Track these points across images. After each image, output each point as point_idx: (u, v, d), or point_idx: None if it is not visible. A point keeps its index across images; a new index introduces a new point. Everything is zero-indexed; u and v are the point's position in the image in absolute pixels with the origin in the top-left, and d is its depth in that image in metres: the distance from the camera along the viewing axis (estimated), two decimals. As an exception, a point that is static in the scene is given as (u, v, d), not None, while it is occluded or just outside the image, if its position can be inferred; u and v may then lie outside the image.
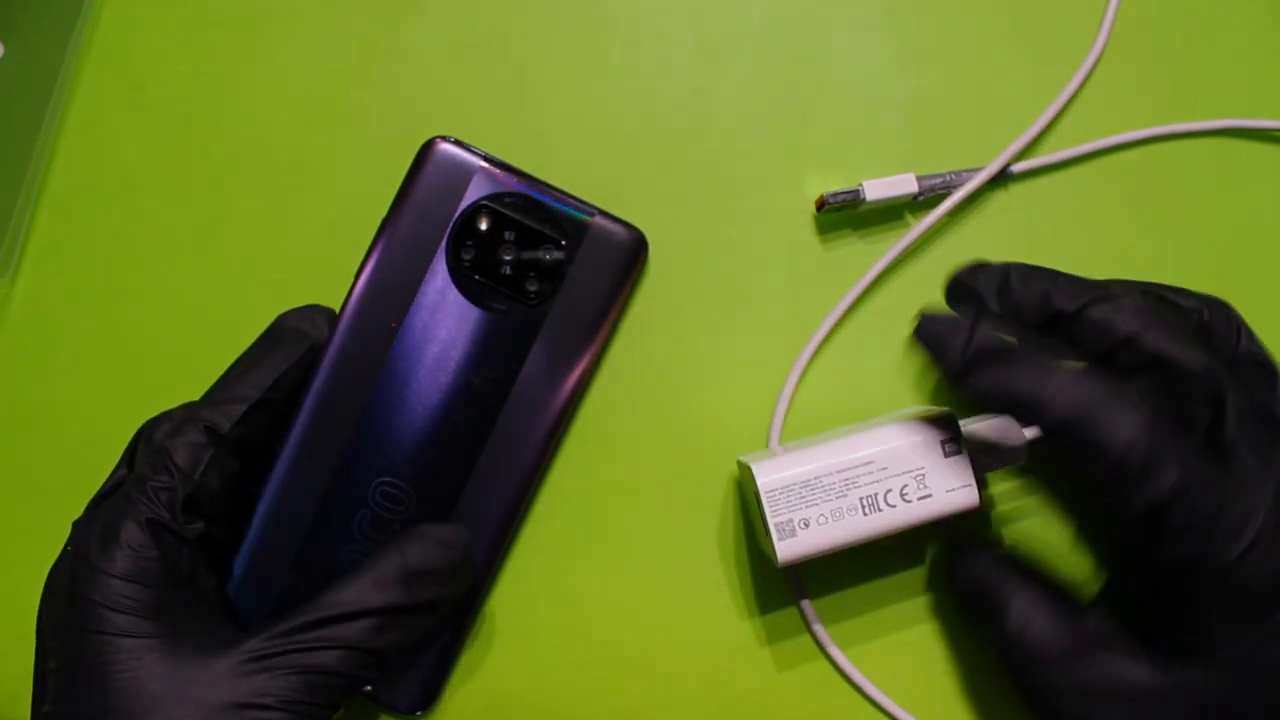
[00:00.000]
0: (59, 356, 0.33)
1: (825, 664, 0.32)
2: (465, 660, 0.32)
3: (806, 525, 0.28)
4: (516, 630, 0.32)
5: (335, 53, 0.34)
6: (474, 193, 0.31)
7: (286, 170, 0.34)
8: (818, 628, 0.32)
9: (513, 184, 0.31)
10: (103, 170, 0.34)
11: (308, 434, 0.30)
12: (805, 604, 0.32)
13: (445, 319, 0.30)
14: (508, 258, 0.30)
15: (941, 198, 0.33)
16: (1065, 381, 0.24)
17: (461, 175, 0.31)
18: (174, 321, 0.33)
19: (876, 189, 0.32)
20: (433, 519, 0.30)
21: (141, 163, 0.34)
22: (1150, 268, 0.34)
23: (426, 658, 0.30)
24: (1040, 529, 0.32)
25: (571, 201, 0.31)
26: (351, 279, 0.31)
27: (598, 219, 0.31)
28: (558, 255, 0.31)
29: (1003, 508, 0.33)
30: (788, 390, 0.33)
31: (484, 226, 0.30)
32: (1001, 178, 0.34)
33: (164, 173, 0.34)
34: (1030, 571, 0.28)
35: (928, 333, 0.26)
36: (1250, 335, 0.27)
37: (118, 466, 0.27)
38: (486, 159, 0.31)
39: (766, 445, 0.33)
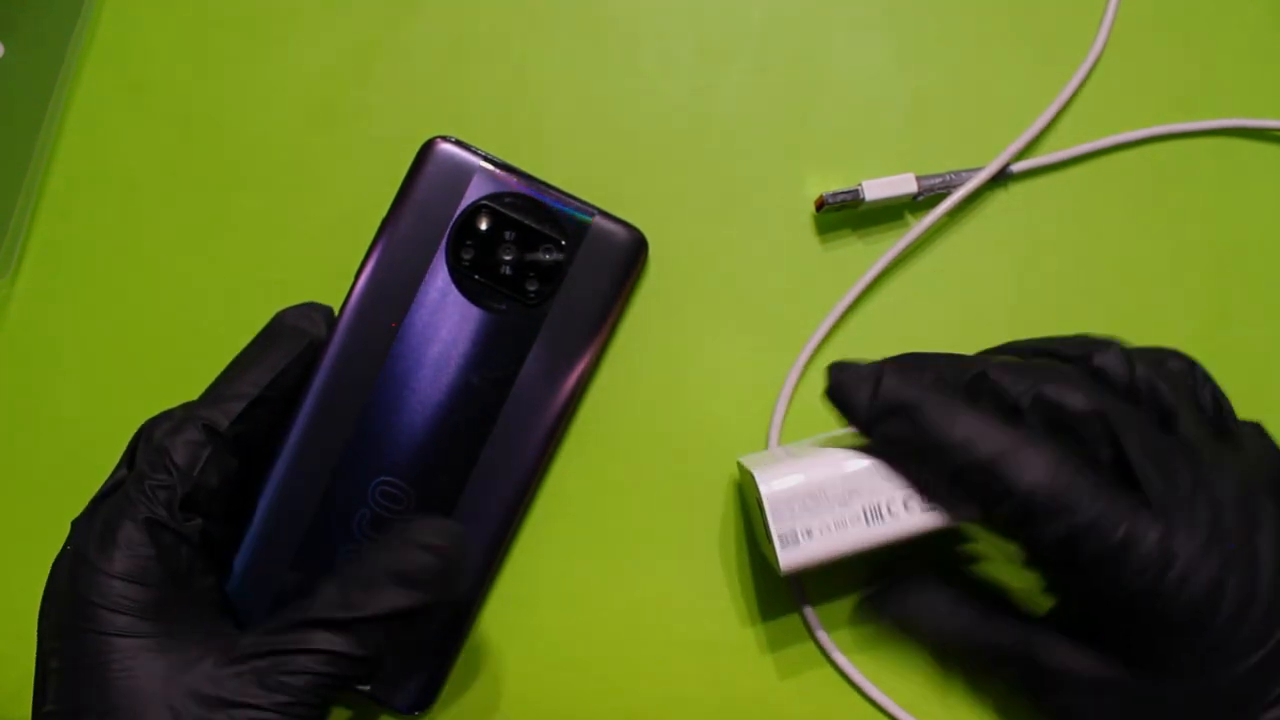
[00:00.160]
0: (59, 356, 0.33)
1: (824, 663, 0.32)
2: (465, 660, 0.32)
3: (810, 534, 0.27)
4: (516, 630, 0.32)
5: (335, 53, 0.34)
6: (474, 192, 0.31)
7: (286, 170, 0.34)
8: (817, 627, 0.32)
9: (513, 184, 0.31)
10: (103, 170, 0.34)
11: (308, 433, 0.30)
12: (806, 604, 0.32)
13: (445, 319, 0.30)
14: (508, 257, 0.30)
15: (941, 198, 0.33)
16: (971, 428, 0.25)
17: (461, 175, 0.31)
18: (174, 321, 0.33)
19: (876, 189, 0.32)
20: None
21: (141, 163, 0.34)
22: (1150, 268, 0.34)
23: (425, 658, 0.30)
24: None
25: (571, 201, 0.31)
26: (351, 279, 0.31)
27: (598, 219, 0.31)
28: (558, 255, 0.31)
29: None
30: (787, 390, 0.33)
31: (484, 226, 0.30)
32: (1001, 178, 0.34)
33: (164, 173, 0.34)
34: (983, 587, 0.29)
35: (836, 384, 0.27)
36: (1142, 364, 0.27)
37: (118, 466, 0.27)
38: (487, 159, 0.31)
39: (766, 445, 0.33)
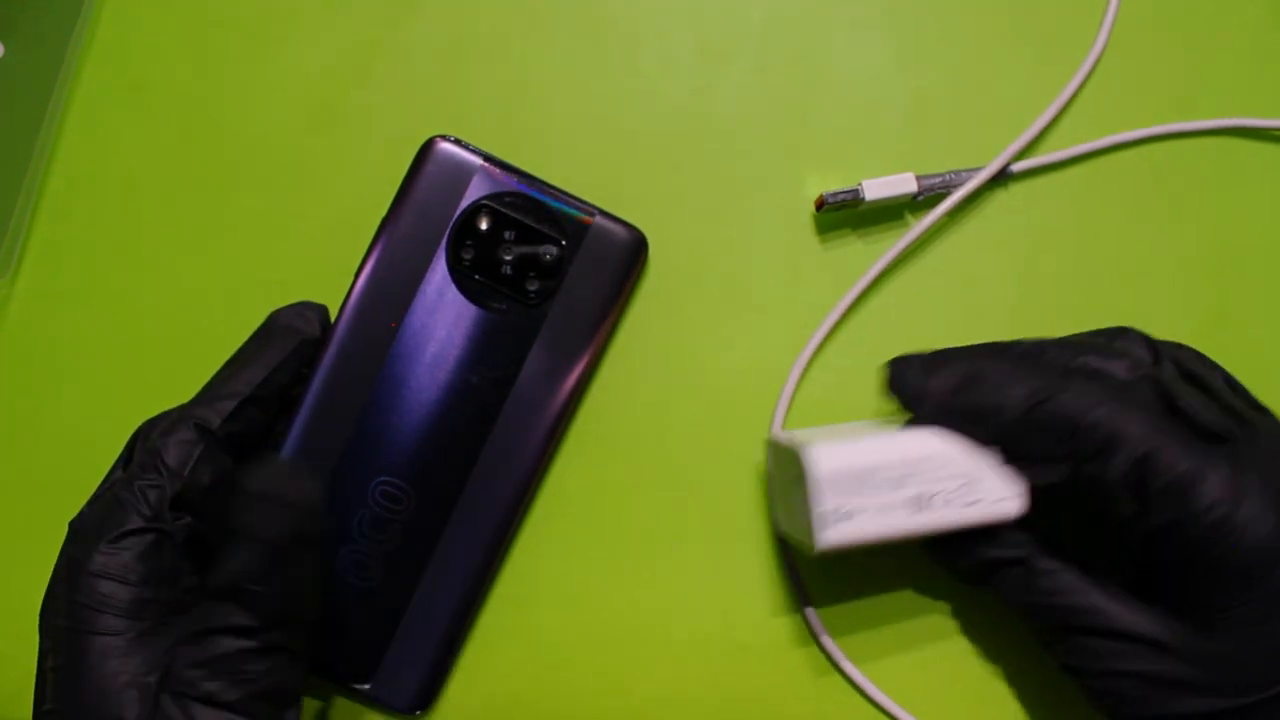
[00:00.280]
0: (59, 357, 0.33)
1: (825, 663, 0.32)
2: (465, 660, 0.32)
3: (853, 516, 0.27)
4: (516, 630, 0.32)
5: (335, 53, 0.34)
6: (474, 192, 0.31)
7: (286, 170, 0.34)
8: (818, 627, 0.32)
9: (513, 183, 0.31)
10: (103, 170, 0.34)
11: (307, 433, 0.30)
12: (806, 604, 0.32)
13: (445, 318, 0.30)
14: (508, 257, 0.30)
15: (941, 197, 0.33)
16: (1033, 378, 0.26)
17: (462, 175, 0.31)
18: (174, 321, 0.33)
19: (876, 189, 0.32)
20: (432, 519, 0.30)
21: (141, 163, 0.34)
22: (1150, 268, 0.34)
23: (426, 657, 0.30)
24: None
25: (572, 201, 0.31)
26: (351, 279, 0.31)
27: (598, 219, 0.31)
28: (558, 255, 0.31)
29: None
30: (788, 390, 0.33)
31: (484, 226, 0.30)
32: (1001, 177, 0.34)
33: (164, 173, 0.34)
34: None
35: (896, 374, 0.29)
36: (1166, 345, 0.28)
37: (114, 467, 0.28)
38: (487, 158, 0.31)
39: (767, 445, 0.33)
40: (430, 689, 0.31)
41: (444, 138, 0.31)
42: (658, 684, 0.32)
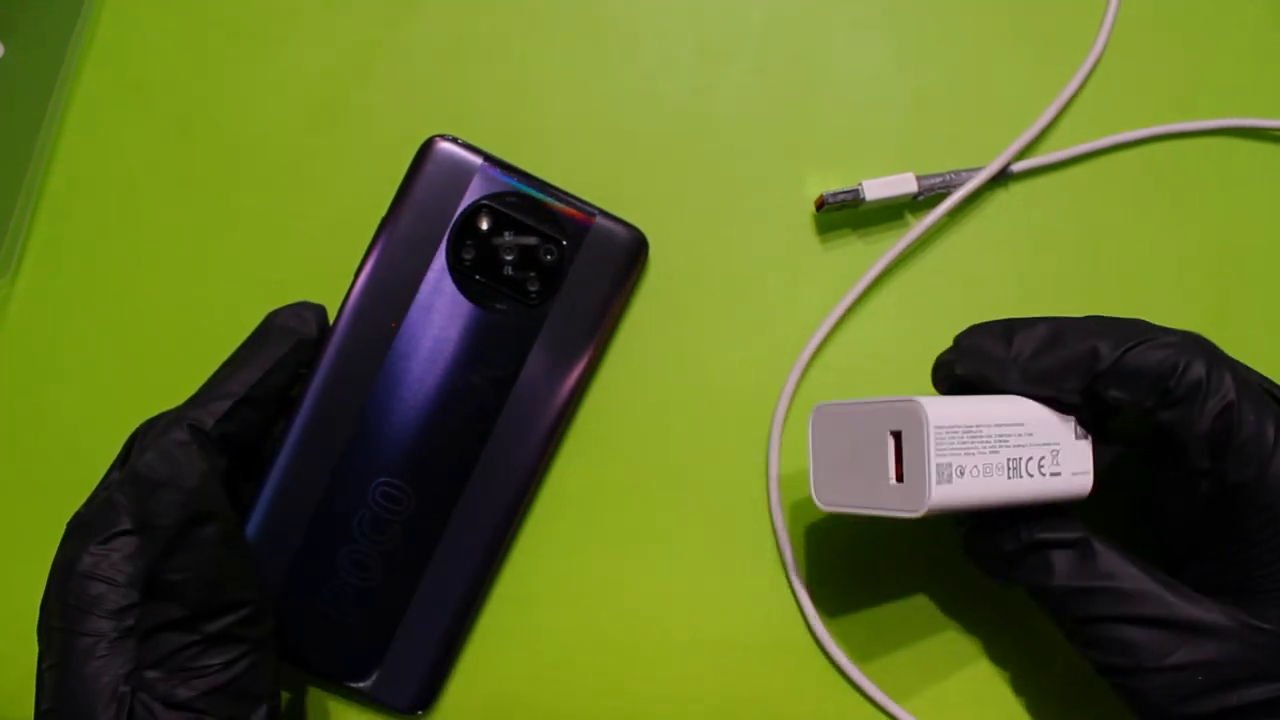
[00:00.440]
0: (59, 357, 0.33)
1: (825, 663, 0.32)
2: (465, 660, 0.32)
3: (962, 474, 0.25)
4: (517, 630, 0.32)
5: (335, 53, 0.34)
6: (474, 192, 0.31)
7: (286, 170, 0.34)
8: (818, 627, 0.32)
9: (513, 183, 0.31)
10: (103, 170, 0.34)
11: (307, 433, 0.30)
12: (806, 604, 0.32)
13: (445, 318, 0.30)
14: (508, 257, 0.30)
15: (941, 197, 0.33)
16: (1109, 329, 0.26)
17: (462, 174, 0.31)
18: (174, 321, 0.33)
19: (876, 189, 0.32)
20: (432, 519, 0.30)
21: (141, 163, 0.34)
22: (1150, 268, 0.34)
23: (426, 657, 0.30)
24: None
25: (572, 201, 0.31)
26: (351, 279, 0.30)
27: (598, 219, 0.31)
28: (558, 255, 0.31)
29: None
30: (788, 390, 0.33)
31: (484, 226, 0.30)
32: (1001, 178, 0.34)
33: (164, 173, 0.34)
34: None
35: (970, 344, 0.28)
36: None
37: (111, 468, 0.28)
38: (487, 158, 0.31)
39: (767, 447, 0.33)
40: (431, 688, 0.31)
41: (443, 137, 0.31)
42: (658, 684, 0.32)
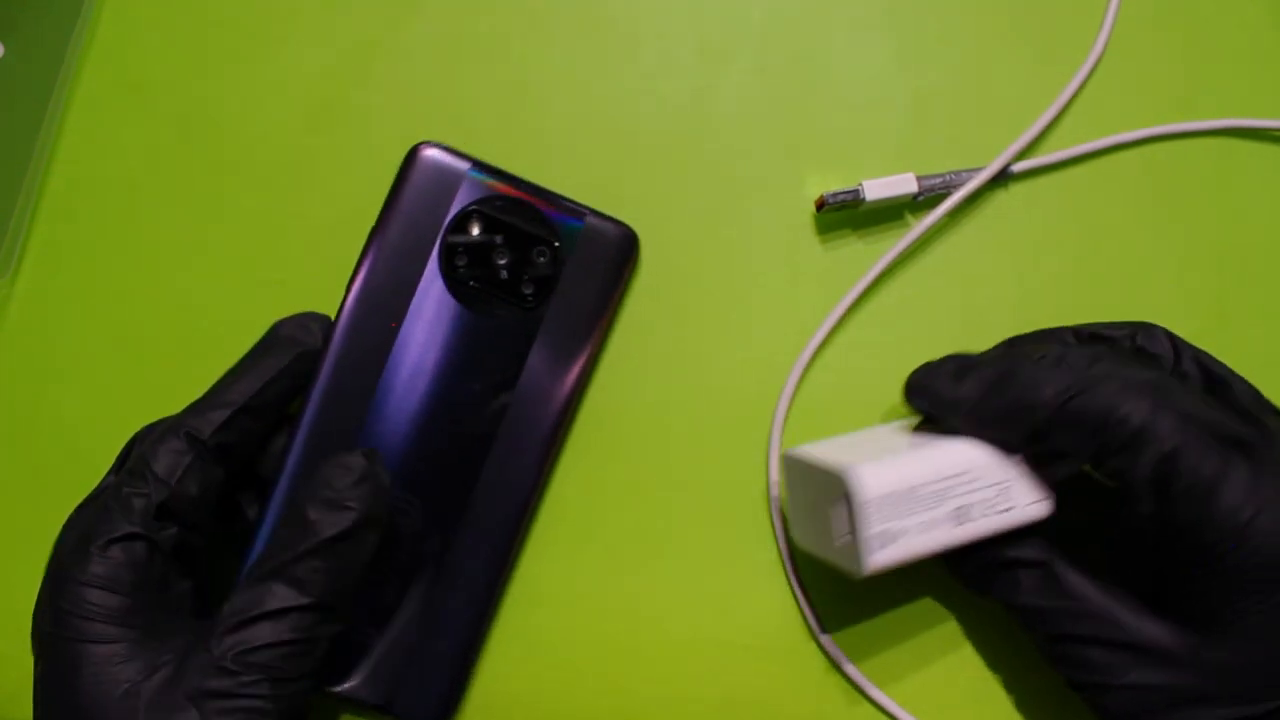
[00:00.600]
0: (59, 357, 0.33)
1: (825, 664, 0.32)
2: (465, 660, 0.32)
3: (899, 537, 0.26)
4: (518, 631, 0.32)
5: (335, 53, 0.34)
6: (463, 198, 0.30)
7: (286, 170, 0.34)
8: (817, 627, 0.32)
9: (501, 188, 0.30)
10: (103, 170, 0.34)
11: (309, 451, 0.29)
12: (806, 604, 0.32)
13: (442, 327, 0.30)
14: (501, 261, 0.30)
15: (941, 198, 0.33)
16: (1059, 376, 0.26)
17: (449, 181, 0.30)
18: (174, 321, 0.33)
19: (876, 189, 0.32)
20: (441, 529, 0.30)
21: (141, 163, 0.34)
22: (1150, 268, 0.34)
23: (444, 672, 0.30)
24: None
25: (562, 202, 0.31)
26: (344, 291, 0.30)
27: (589, 218, 0.31)
28: (551, 256, 0.30)
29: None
30: (789, 390, 0.33)
31: (475, 231, 0.30)
32: (1001, 178, 0.34)
33: (164, 173, 0.34)
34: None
35: (918, 382, 0.29)
36: (1187, 346, 0.28)
37: (108, 473, 0.28)
38: (474, 163, 0.31)
39: (768, 447, 0.33)
40: (452, 700, 0.30)
41: (429, 144, 0.30)
42: (658, 684, 0.32)
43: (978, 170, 0.33)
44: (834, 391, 0.33)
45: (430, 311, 0.30)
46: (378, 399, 0.30)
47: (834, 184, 0.33)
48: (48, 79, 0.33)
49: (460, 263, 0.30)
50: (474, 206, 0.30)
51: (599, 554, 0.32)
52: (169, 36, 0.34)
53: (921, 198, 0.33)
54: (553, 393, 0.30)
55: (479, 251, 0.30)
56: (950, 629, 0.32)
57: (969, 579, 0.29)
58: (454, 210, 0.30)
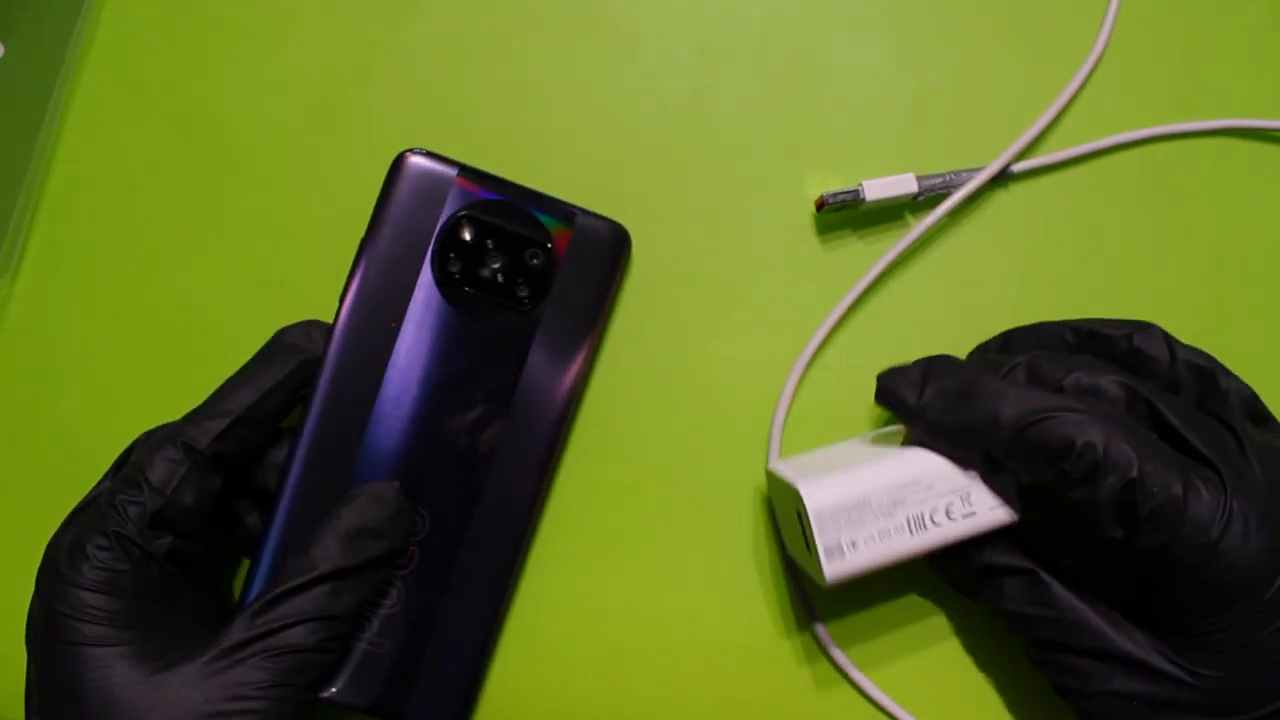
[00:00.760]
0: (59, 357, 0.33)
1: (826, 665, 0.32)
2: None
3: (855, 546, 0.27)
4: (518, 632, 0.32)
5: (335, 53, 0.34)
6: (452, 204, 0.30)
7: (287, 170, 0.34)
8: (818, 627, 0.32)
9: (491, 191, 0.30)
10: (103, 170, 0.34)
11: (310, 466, 0.29)
12: (806, 605, 0.32)
13: (438, 335, 0.30)
14: (495, 265, 0.30)
15: (941, 198, 0.33)
16: (1023, 396, 0.26)
17: (437, 187, 0.30)
18: (174, 321, 0.33)
19: (876, 189, 0.32)
20: (448, 539, 0.30)
21: (141, 163, 0.34)
22: (1150, 268, 0.34)
23: (459, 681, 0.30)
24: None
25: (552, 203, 0.31)
26: (337, 303, 0.30)
27: (580, 218, 0.31)
28: (544, 258, 0.30)
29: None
30: (788, 391, 0.33)
31: (467, 237, 0.30)
32: (1001, 178, 0.34)
33: (164, 173, 0.34)
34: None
35: (885, 385, 0.29)
36: (1183, 348, 0.28)
37: (104, 477, 0.28)
38: (461, 168, 0.30)
39: (767, 448, 0.33)
40: (467, 708, 0.30)
41: (414, 151, 0.30)
42: (657, 684, 0.32)
43: (978, 170, 0.33)
44: (834, 392, 0.33)
45: (426, 319, 0.30)
46: (378, 408, 0.29)
47: (834, 184, 0.33)
48: (48, 79, 0.33)
49: (454, 269, 0.30)
50: (464, 212, 0.30)
51: (599, 555, 0.32)
52: (169, 36, 0.34)
53: (921, 198, 0.33)
54: (553, 394, 0.30)
55: (472, 257, 0.30)
56: (950, 630, 0.32)
57: (956, 584, 0.29)
58: (444, 217, 0.30)
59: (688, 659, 0.32)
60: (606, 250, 0.31)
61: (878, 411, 0.33)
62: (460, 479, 0.30)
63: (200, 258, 0.33)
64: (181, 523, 0.26)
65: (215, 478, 0.27)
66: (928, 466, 0.27)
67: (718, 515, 0.32)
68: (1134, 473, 0.24)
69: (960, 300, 0.34)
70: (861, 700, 0.32)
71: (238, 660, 0.25)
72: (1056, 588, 0.27)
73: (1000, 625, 0.32)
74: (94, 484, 0.28)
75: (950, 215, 0.33)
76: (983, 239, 0.34)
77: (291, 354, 0.29)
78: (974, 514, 0.27)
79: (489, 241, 0.30)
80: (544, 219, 0.30)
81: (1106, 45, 0.35)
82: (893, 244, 0.33)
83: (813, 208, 0.34)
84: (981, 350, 0.31)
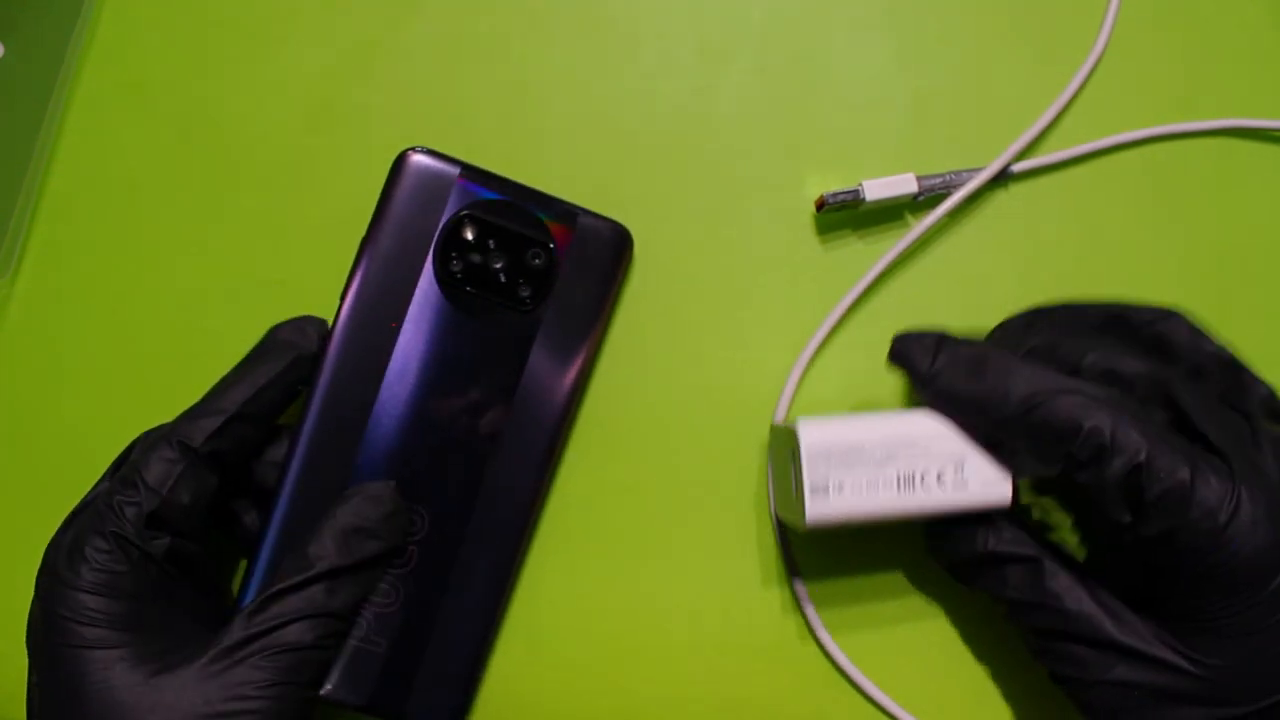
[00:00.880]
0: (59, 357, 0.33)
1: (826, 663, 0.32)
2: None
3: (841, 489, 0.27)
4: (517, 631, 0.32)
5: (335, 53, 0.34)
6: (455, 203, 0.30)
7: (287, 170, 0.34)
8: (818, 627, 0.32)
9: (493, 191, 0.30)
10: (103, 170, 0.34)
11: (310, 465, 0.29)
12: (806, 604, 0.32)
13: (440, 335, 0.30)
14: (497, 266, 0.30)
15: (941, 198, 0.33)
16: (1034, 374, 0.26)
17: (440, 186, 0.30)
18: (174, 321, 0.33)
19: (876, 189, 0.32)
20: (447, 539, 0.30)
21: (141, 163, 0.34)
22: (1150, 268, 0.34)
23: (456, 680, 0.30)
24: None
25: (554, 203, 0.31)
26: (338, 302, 0.30)
27: (581, 218, 0.31)
28: (546, 258, 0.30)
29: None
30: (788, 391, 0.33)
31: (469, 236, 0.30)
32: (1001, 178, 0.34)
33: (164, 173, 0.34)
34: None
35: (900, 346, 0.29)
36: (1208, 337, 0.28)
37: (102, 477, 0.27)
38: (463, 167, 0.30)
39: (767, 446, 0.33)
40: (464, 707, 0.30)
41: (417, 149, 0.30)
42: (658, 684, 0.32)
43: (978, 170, 0.33)
44: (834, 391, 0.33)
45: (427, 318, 0.30)
46: (377, 407, 0.29)
47: (834, 184, 0.33)
48: (48, 79, 0.33)
49: (455, 268, 0.30)
50: (466, 212, 0.30)
51: (599, 554, 0.32)
52: (169, 36, 0.34)
53: (921, 198, 0.33)
54: (553, 394, 0.30)
55: (474, 256, 0.30)
56: (951, 629, 0.32)
57: (956, 570, 0.29)
58: (446, 216, 0.30)
59: (688, 659, 0.32)
60: (608, 250, 0.31)
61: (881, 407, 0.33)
62: (460, 478, 0.30)
63: (200, 258, 0.33)
64: (178, 522, 0.26)
65: (211, 476, 0.27)
66: (927, 429, 0.27)
67: (718, 515, 0.32)
68: (1141, 457, 0.24)
69: (960, 300, 0.34)
70: (861, 700, 0.32)
71: (236, 660, 0.25)
72: (1060, 576, 0.27)
73: (999, 620, 0.32)
74: (93, 484, 0.28)
75: (950, 215, 0.33)
76: (983, 239, 0.34)
77: (285, 350, 0.29)
78: (965, 486, 0.27)
79: (491, 241, 0.30)
80: (546, 219, 0.30)
81: (1106, 45, 0.35)
82: (893, 244, 0.33)
83: (813, 208, 0.34)
84: (1003, 328, 0.31)
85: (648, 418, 0.33)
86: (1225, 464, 0.25)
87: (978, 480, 0.27)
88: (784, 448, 0.29)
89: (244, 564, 0.29)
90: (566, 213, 0.31)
